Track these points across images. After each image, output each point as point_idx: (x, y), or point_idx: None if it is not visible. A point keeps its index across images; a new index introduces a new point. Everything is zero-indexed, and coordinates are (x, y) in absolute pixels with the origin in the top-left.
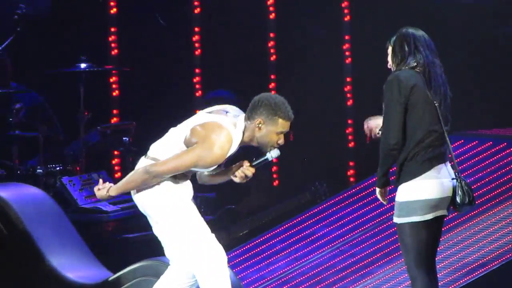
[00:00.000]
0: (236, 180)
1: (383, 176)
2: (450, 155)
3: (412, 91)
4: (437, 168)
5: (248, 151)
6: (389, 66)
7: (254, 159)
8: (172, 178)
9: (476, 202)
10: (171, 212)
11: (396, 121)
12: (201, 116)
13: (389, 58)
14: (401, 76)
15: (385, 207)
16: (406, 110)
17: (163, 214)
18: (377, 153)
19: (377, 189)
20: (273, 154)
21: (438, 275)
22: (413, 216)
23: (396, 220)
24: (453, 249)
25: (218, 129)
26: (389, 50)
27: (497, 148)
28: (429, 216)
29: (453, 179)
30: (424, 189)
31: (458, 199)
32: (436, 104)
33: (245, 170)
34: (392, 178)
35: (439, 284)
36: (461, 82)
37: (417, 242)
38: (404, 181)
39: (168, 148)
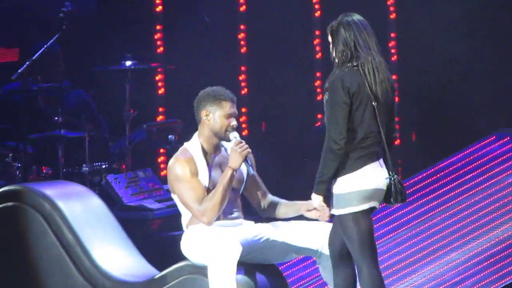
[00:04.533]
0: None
1: (328, 179)
2: (386, 155)
3: (354, 93)
4: (372, 165)
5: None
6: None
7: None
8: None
9: None
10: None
11: (344, 121)
12: None
13: (332, 50)
14: (345, 78)
15: (430, 204)
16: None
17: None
18: (422, 152)
19: (319, 197)
20: (234, 136)
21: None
22: (351, 207)
23: (334, 212)
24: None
25: (172, 161)
26: (330, 39)
27: None
28: (365, 206)
29: (386, 178)
30: (359, 181)
31: (392, 198)
32: (374, 105)
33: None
34: None
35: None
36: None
37: (359, 232)
38: (340, 175)
39: None
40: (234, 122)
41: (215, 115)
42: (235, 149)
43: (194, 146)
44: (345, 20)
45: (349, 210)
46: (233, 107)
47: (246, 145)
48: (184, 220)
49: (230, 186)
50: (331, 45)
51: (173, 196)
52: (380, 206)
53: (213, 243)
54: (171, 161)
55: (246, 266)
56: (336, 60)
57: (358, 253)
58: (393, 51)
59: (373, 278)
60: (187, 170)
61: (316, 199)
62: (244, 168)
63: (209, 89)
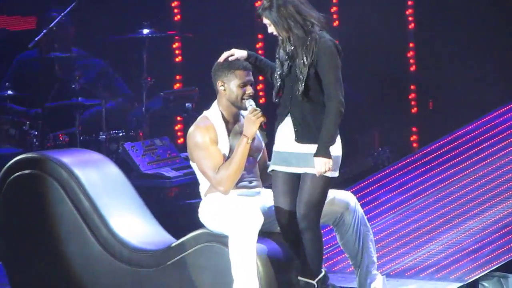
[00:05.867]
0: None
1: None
2: None
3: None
4: None
5: None
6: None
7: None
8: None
9: None
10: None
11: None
12: None
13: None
14: (335, 43)
15: (448, 172)
16: None
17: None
18: (439, 120)
19: (329, 161)
20: (250, 104)
21: None
22: (333, 172)
23: (309, 170)
24: None
25: (192, 128)
26: (271, 20)
27: None
28: (337, 174)
29: None
30: (339, 147)
31: None
32: None
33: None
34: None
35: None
36: None
37: (325, 197)
38: None
39: None
40: (250, 90)
41: (230, 85)
42: (249, 117)
43: (214, 114)
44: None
45: (331, 174)
46: (248, 75)
47: (261, 113)
48: (203, 189)
49: (245, 155)
50: (280, 25)
51: (192, 164)
52: (397, 174)
53: (235, 213)
54: (191, 128)
55: (262, 234)
56: (295, 31)
57: (315, 215)
58: (410, 19)
59: (321, 237)
60: (206, 138)
61: (328, 163)
62: (260, 138)
63: (224, 60)
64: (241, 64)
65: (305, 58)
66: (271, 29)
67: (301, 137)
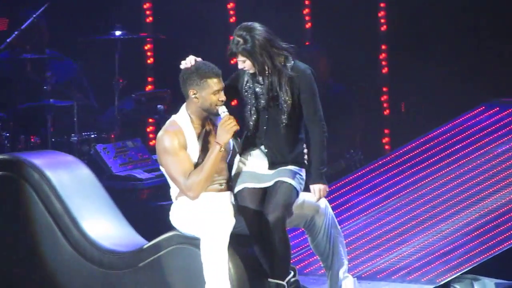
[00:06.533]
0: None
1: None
2: None
3: None
4: None
5: None
6: (249, 69)
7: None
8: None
9: None
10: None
11: None
12: None
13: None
14: (311, 69)
15: (420, 175)
16: None
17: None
18: (411, 121)
19: (326, 186)
20: (223, 111)
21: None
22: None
23: (290, 181)
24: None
25: (161, 133)
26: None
27: None
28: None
29: None
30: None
31: None
32: None
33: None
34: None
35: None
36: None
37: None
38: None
39: None
40: (222, 97)
41: (202, 94)
42: (223, 125)
43: (183, 118)
44: (256, 35)
45: (302, 186)
46: (220, 81)
47: (234, 122)
48: (173, 192)
49: (217, 162)
50: (255, 59)
51: (161, 168)
52: (369, 177)
53: (206, 215)
54: (160, 133)
55: (235, 237)
56: (275, 64)
57: (287, 216)
58: (382, 21)
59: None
60: (175, 142)
61: (325, 189)
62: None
63: (193, 66)
64: (211, 71)
65: (288, 90)
66: (245, 64)
67: (275, 166)
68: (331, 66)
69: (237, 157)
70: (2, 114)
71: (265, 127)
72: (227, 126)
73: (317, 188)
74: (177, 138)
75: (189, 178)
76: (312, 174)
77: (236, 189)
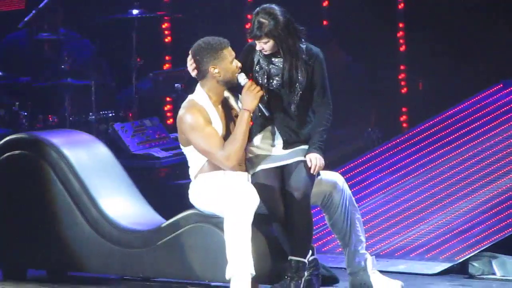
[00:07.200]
0: None
1: None
2: None
3: None
4: None
5: None
6: (269, 50)
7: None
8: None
9: None
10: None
11: None
12: None
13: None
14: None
15: (438, 152)
16: None
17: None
18: (429, 99)
19: (322, 158)
20: (243, 79)
21: None
22: None
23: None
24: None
25: (182, 111)
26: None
27: None
28: None
29: None
30: None
31: None
32: None
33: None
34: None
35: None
36: None
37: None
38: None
39: None
40: (238, 64)
41: (222, 66)
42: (248, 92)
43: (202, 97)
44: (279, 16)
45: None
46: (231, 50)
47: (258, 87)
48: (193, 171)
49: (248, 129)
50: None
51: (184, 148)
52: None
53: (231, 194)
54: (181, 112)
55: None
56: (297, 44)
57: (309, 196)
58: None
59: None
60: (200, 118)
61: (320, 159)
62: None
63: (203, 43)
64: (223, 41)
65: (303, 70)
66: (266, 46)
67: (290, 145)
68: (344, 55)
69: (249, 142)
70: (20, 93)
71: (277, 107)
72: (252, 92)
73: (313, 156)
74: (201, 114)
75: (224, 149)
76: (310, 146)
77: (252, 171)
